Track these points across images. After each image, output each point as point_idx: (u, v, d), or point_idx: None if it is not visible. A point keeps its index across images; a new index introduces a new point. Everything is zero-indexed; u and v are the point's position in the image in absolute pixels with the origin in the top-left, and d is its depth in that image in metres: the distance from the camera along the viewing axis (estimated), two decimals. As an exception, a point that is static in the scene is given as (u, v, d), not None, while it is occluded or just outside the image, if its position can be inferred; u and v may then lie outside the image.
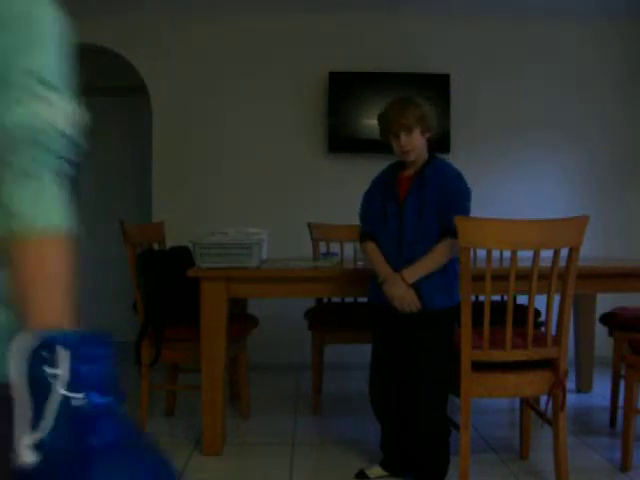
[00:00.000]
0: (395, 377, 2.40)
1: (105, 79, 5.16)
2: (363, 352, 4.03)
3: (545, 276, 2.29)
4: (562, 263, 2.30)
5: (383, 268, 2.35)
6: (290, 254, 3.51)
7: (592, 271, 2.70)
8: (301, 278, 2.77)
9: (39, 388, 0.74)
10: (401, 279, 2.27)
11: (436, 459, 2.36)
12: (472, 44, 4.52)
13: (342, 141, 4.44)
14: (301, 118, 4.51)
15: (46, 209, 0.80)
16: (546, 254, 2.29)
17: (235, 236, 2.81)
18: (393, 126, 2.33)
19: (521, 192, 4.46)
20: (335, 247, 3.69)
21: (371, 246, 2.43)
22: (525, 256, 2.31)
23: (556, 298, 2.35)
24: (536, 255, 2.25)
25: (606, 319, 3.23)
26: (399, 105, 2.35)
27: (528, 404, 2.64)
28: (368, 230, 2.47)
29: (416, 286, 2.28)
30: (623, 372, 2.84)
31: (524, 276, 2.26)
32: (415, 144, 2.33)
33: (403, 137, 2.32)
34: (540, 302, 2.41)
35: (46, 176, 0.81)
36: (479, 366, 2.26)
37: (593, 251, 3.38)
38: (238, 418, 3.25)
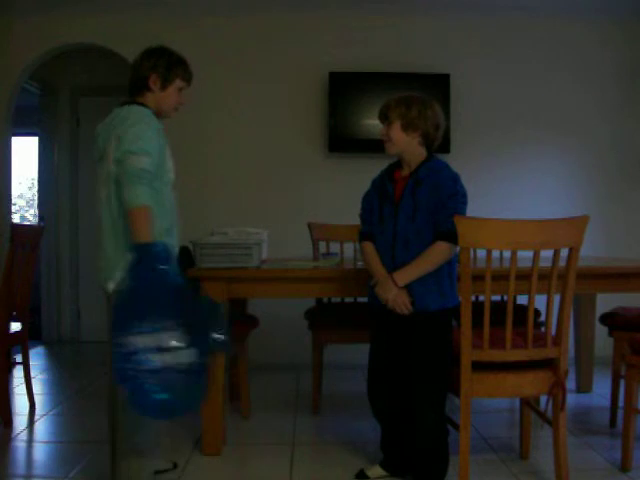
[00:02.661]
0: (393, 378, 2.40)
1: (105, 79, 5.17)
2: (363, 352, 4.01)
3: (545, 276, 2.29)
4: (562, 263, 2.30)
5: (377, 270, 2.36)
6: (290, 254, 3.51)
7: (592, 271, 2.70)
8: (301, 278, 2.77)
9: None
10: (392, 282, 2.28)
11: (435, 459, 2.35)
12: (472, 44, 4.52)
13: (342, 141, 4.44)
14: (301, 118, 4.51)
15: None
16: (546, 254, 2.29)
17: (235, 236, 2.81)
18: (378, 113, 2.43)
19: (521, 192, 4.46)
20: (335, 247, 3.68)
21: (369, 247, 2.43)
22: (525, 256, 2.31)
23: (556, 298, 2.35)
24: (536, 255, 2.25)
25: (606, 319, 3.23)
26: (395, 98, 2.41)
27: (528, 404, 2.64)
28: (366, 230, 2.47)
29: (409, 288, 2.28)
30: (623, 372, 2.84)
31: (524, 276, 2.26)
32: (393, 137, 2.36)
33: (383, 127, 2.41)
34: (540, 302, 2.41)
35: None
36: (479, 366, 2.26)
37: (595, 251, 3.39)
38: (238, 418, 3.25)
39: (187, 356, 1.84)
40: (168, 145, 2.21)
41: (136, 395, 1.82)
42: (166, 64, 2.22)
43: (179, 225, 2.29)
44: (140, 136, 2.05)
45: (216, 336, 1.94)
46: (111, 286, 2.11)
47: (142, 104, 2.21)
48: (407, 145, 2.37)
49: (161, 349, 1.81)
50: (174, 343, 1.82)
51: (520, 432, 2.71)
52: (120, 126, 2.10)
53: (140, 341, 1.79)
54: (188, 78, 2.31)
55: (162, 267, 1.90)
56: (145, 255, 1.92)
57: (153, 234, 1.98)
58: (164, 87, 2.23)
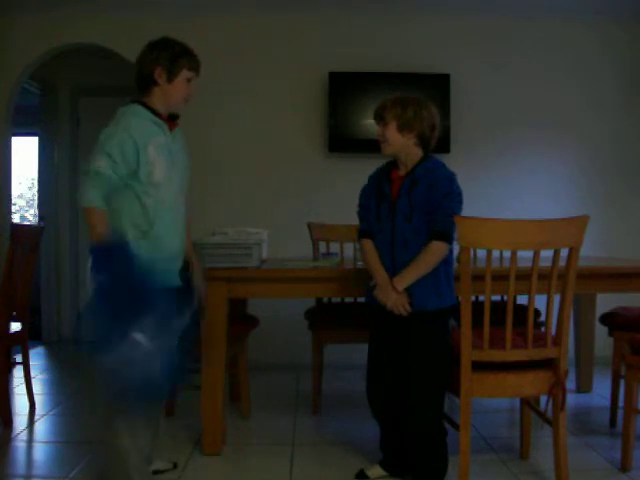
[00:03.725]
0: (392, 377, 2.40)
1: (105, 79, 5.17)
2: (363, 352, 4.00)
3: (545, 276, 2.29)
4: (562, 263, 2.30)
5: (377, 272, 2.36)
6: (290, 254, 3.51)
7: (592, 271, 2.70)
8: (301, 278, 2.77)
9: None
10: (392, 287, 2.28)
11: (433, 459, 2.35)
12: (472, 44, 4.52)
13: (342, 141, 4.44)
14: (301, 118, 4.51)
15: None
16: (546, 254, 2.29)
17: (235, 236, 2.81)
18: (374, 113, 2.46)
19: (521, 192, 4.46)
20: (335, 247, 3.68)
21: (368, 245, 2.43)
22: (525, 256, 2.31)
23: (556, 298, 2.35)
24: (536, 255, 2.25)
25: (606, 319, 3.23)
26: (391, 98, 2.42)
27: (528, 404, 2.64)
28: (365, 228, 2.47)
29: (408, 288, 2.28)
30: (623, 372, 2.84)
31: (524, 276, 2.26)
32: (389, 138, 2.38)
33: (379, 127, 2.42)
34: (540, 302, 2.41)
35: None
36: (479, 366, 2.26)
37: (595, 251, 3.38)
38: (238, 418, 3.25)
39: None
40: (159, 146, 2.16)
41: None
42: (170, 56, 2.19)
43: (182, 226, 2.30)
44: (107, 138, 2.08)
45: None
46: None
47: (142, 103, 2.20)
48: (403, 146, 2.38)
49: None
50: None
51: (520, 432, 2.71)
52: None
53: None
54: (195, 67, 2.26)
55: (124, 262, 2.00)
56: (96, 254, 2.03)
57: (99, 234, 2.04)
58: (170, 80, 2.20)
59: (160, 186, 2.18)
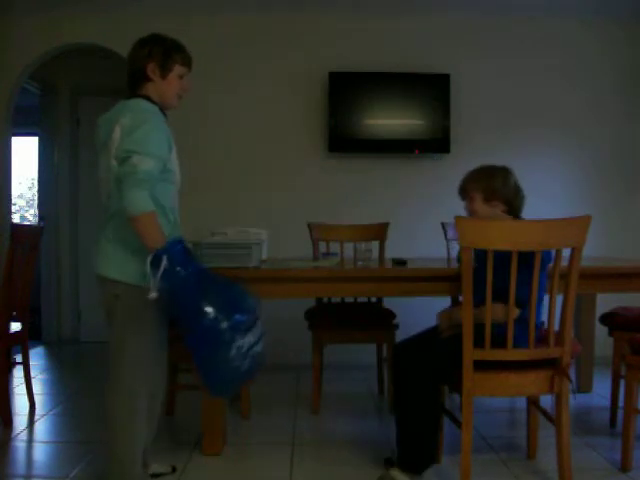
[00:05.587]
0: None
1: (105, 79, 5.16)
2: (363, 352, 4.04)
3: (547, 276, 2.29)
4: (563, 262, 2.30)
5: None
6: (290, 254, 3.51)
7: (592, 271, 2.70)
8: (301, 278, 2.76)
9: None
10: None
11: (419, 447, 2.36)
12: (472, 44, 4.52)
13: (342, 141, 4.44)
14: (301, 118, 4.51)
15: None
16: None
17: (235, 236, 2.81)
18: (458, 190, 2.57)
19: (521, 192, 4.46)
20: (335, 247, 3.68)
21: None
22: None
23: (558, 298, 2.34)
24: (537, 255, 2.25)
25: (606, 319, 3.23)
26: (473, 172, 2.54)
27: (534, 404, 2.64)
28: None
29: None
30: (623, 372, 2.84)
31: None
32: (478, 211, 2.48)
33: (466, 202, 2.54)
34: (540, 302, 2.40)
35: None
36: (481, 365, 2.25)
37: (595, 251, 3.38)
38: (238, 418, 3.24)
39: (258, 329, 2.10)
40: (174, 145, 2.18)
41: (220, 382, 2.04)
42: (162, 50, 2.15)
43: (179, 224, 2.28)
44: (147, 137, 2.00)
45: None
46: (108, 276, 2.12)
47: (148, 98, 2.16)
48: (487, 213, 2.46)
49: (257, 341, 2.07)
50: (258, 329, 2.09)
51: (527, 432, 2.71)
52: (125, 114, 2.05)
53: (248, 341, 2.01)
54: (187, 62, 2.23)
55: (188, 265, 1.97)
56: (169, 257, 1.93)
57: (163, 237, 1.98)
58: (164, 75, 2.16)
59: (175, 185, 2.21)
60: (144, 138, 2.00)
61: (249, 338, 1.99)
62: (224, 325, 1.91)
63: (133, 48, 2.20)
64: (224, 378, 2.00)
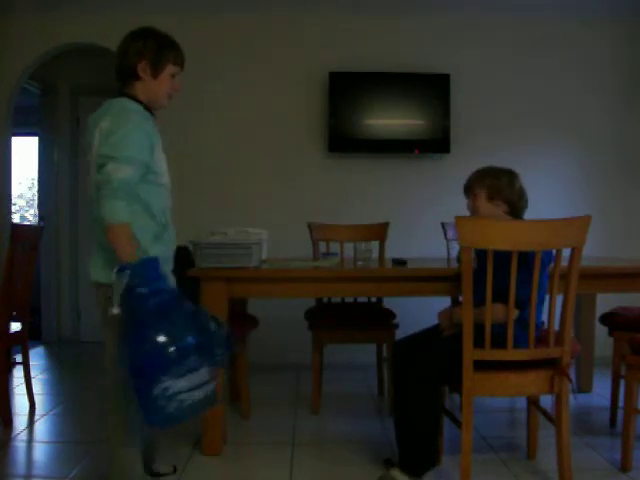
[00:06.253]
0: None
1: (105, 79, 5.15)
2: (363, 352, 4.04)
3: (548, 276, 2.29)
4: (563, 262, 2.30)
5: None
6: (290, 254, 3.51)
7: (593, 271, 2.70)
8: (301, 278, 2.76)
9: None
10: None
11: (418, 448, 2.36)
12: (472, 44, 4.52)
13: (342, 141, 4.44)
14: (301, 118, 4.51)
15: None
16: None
17: (235, 236, 2.80)
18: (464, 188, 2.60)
19: (521, 192, 4.46)
20: (335, 247, 3.68)
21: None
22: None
23: (558, 298, 2.34)
24: (537, 255, 2.25)
25: (606, 319, 3.23)
26: (479, 171, 2.57)
27: (534, 404, 2.64)
28: None
29: None
30: (623, 372, 2.84)
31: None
32: (480, 208, 2.51)
33: (469, 200, 2.56)
34: (541, 302, 2.40)
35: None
36: (481, 365, 2.25)
37: (595, 251, 3.38)
38: (238, 418, 3.24)
39: (201, 376, 1.85)
40: (159, 145, 2.08)
41: (149, 413, 1.84)
42: (155, 48, 2.04)
43: (174, 225, 2.20)
44: (126, 141, 1.92)
45: (221, 351, 1.93)
46: (99, 280, 2.07)
47: (133, 97, 2.07)
48: (489, 212, 2.48)
49: (192, 388, 1.82)
50: (201, 376, 1.84)
51: (527, 432, 2.71)
52: (105, 117, 1.98)
53: (176, 385, 1.79)
54: (180, 61, 2.11)
55: (150, 286, 1.84)
56: (134, 274, 1.84)
57: (134, 250, 1.90)
58: (155, 75, 2.05)
59: (165, 187, 2.12)
60: (121, 142, 1.92)
61: (181, 383, 1.80)
62: (160, 359, 1.77)
63: (124, 42, 2.07)
64: (149, 411, 1.83)
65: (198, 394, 1.84)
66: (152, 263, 1.89)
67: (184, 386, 1.80)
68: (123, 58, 2.05)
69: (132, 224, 1.93)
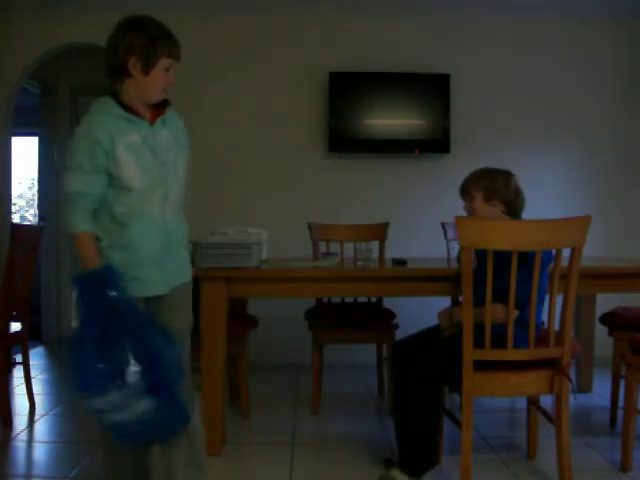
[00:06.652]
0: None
1: (105, 79, 5.16)
2: (363, 352, 4.04)
3: (547, 276, 2.29)
4: (564, 262, 2.30)
5: None
6: (290, 254, 3.51)
7: (592, 271, 2.70)
8: (301, 278, 2.76)
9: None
10: None
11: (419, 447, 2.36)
12: (472, 44, 4.52)
13: (342, 141, 4.44)
14: (301, 118, 4.51)
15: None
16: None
17: (235, 236, 2.81)
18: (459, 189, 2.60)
19: (521, 192, 4.45)
20: (335, 247, 3.68)
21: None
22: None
23: (558, 298, 2.34)
24: (537, 255, 2.25)
25: (606, 319, 3.23)
26: (475, 172, 2.57)
27: (534, 404, 2.64)
28: None
29: None
30: (623, 372, 2.84)
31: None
32: (477, 209, 2.50)
33: (466, 202, 2.56)
34: (541, 302, 2.40)
35: None
36: (481, 365, 2.25)
37: (595, 251, 3.38)
38: (238, 418, 3.24)
39: (145, 404, 1.77)
40: (134, 146, 1.90)
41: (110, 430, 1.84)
42: (147, 42, 1.89)
43: (169, 228, 2.07)
44: (75, 146, 1.86)
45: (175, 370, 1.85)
46: None
47: (113, 94, 1.93)
48: (486, 213, 2.48)
49: (125, 407, 1.75)
50: (137, 402, 1.76)
51: (527, 432, 2.71)
52: (80, 121, 1.93)
53: (104, 402, 1.74)
54: (175, 53, 1.95)
55: (108, 292, 1.79)
56: (90, 282, 1.82)
57: (94, 259, 1.86)
58: (147, 71, 1.90)
59: (133, 190, 1.90)
60: (73, 149, 1.87)
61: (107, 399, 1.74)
62: (100, 367, 1.72)
63: (114, 35, 1.92)
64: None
65: (122, 416, 1.75)
66: (108, 272, 1.84)
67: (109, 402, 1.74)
68: (113, 53, 1.91)
69: (97, 229, 1.91)
